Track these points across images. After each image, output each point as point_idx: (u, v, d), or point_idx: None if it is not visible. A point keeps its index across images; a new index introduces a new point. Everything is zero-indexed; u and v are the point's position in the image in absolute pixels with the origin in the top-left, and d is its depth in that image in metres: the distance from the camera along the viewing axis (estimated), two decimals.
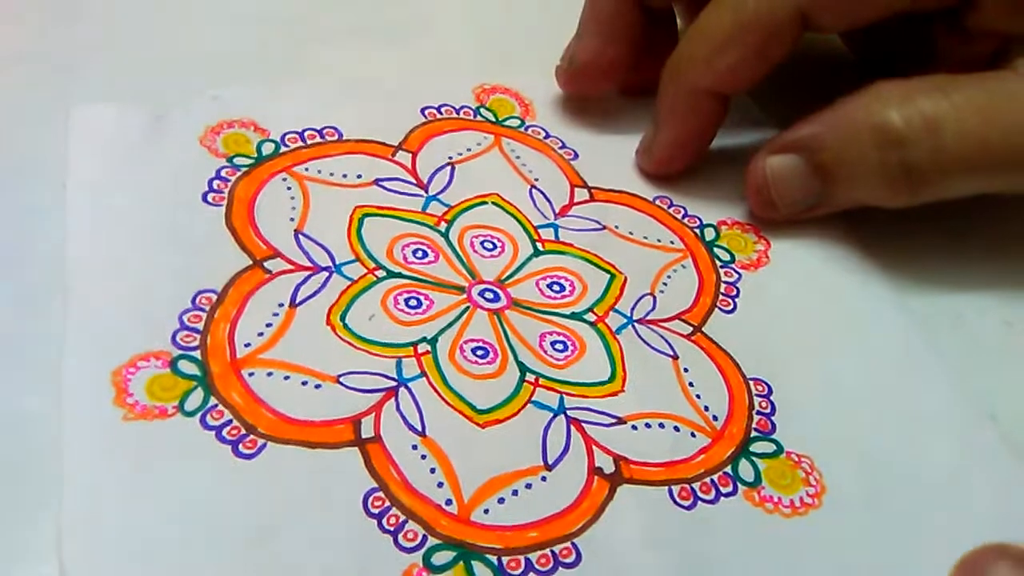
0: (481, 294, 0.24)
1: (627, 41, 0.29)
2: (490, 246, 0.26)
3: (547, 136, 0.29)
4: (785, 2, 0.26)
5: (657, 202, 0.28)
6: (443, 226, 0.26)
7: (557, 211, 0.27)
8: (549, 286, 0.25)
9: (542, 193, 0.27)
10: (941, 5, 0.27)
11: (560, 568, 0.20)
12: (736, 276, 0.27)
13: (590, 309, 0.25)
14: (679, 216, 0.28)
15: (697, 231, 0.28)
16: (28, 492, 0.20)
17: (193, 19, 0.31)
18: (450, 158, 0.27)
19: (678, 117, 0.27)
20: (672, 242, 0.27)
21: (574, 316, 0.24)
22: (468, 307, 0.24)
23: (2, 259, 0.24)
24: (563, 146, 0.29)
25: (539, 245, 0.26)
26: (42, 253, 0.23)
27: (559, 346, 0.24)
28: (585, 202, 0.28)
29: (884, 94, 0.25)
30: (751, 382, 0.24)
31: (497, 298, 0.24)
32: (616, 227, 0.27)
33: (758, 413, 0.24)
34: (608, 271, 0.26)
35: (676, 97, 0.27)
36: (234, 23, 0.31)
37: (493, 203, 0.27)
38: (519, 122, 0.29)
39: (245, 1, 0.32)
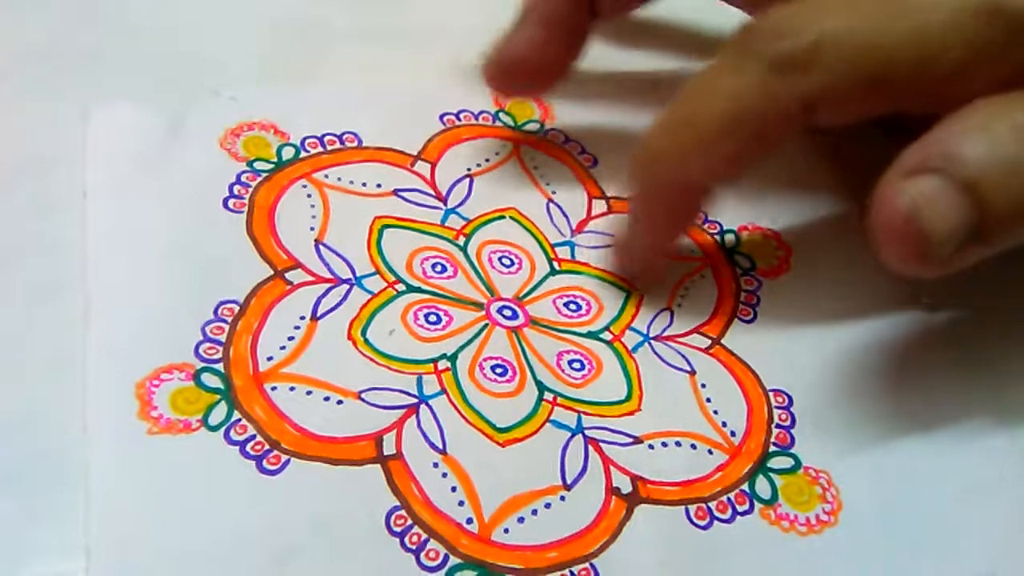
0: (500, 311, 0.25)
1: (575, 40, 0.26)
2: (508, 262, 0.26)
3: (566, 141, 0.29)
4: (789, 92, 0.22)
5: None
6: (462, 240, 0.26)
7: (574, 227, 0.27)
8: (566, 305, 0.25)
9: (559, 208, 0.27)
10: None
11: None
12: (756, 284, 0.27)
13: (606, 328, 0.25)
14: (698, 221, 0.28)
15: (718, 237, 0.27)
16: (46, 486, 0.20)
17: (210, 18, 0.31)
18: (468, 170, 0.27)
19: (661, 213, 0.25)
20: (691, 251, 0.27)
21: (590, 335, 0.25)
22: (487, 324, 0.24)
23: (19, 253, 0.24)
24: (582, 151, 0.29)
25: (556, 264, 0.26)
26: (59, 247, 0.24)
27: (576, 365, 0.24)
28: (603, 214, 0.28)
29: (996, 103, 0.21)
30: (771, 393, 0.24)
31: (515, 315, 0.25)
32: None
33: (777, 426, 0.24)
34: (624, 289, 0.26)
35: (659, 191, 0.24)
36: (252, 23, 0.31)
37: (511, 217, 0.27)
38: (538, 125, 0.29)
39: (263, 1, 0.31)
